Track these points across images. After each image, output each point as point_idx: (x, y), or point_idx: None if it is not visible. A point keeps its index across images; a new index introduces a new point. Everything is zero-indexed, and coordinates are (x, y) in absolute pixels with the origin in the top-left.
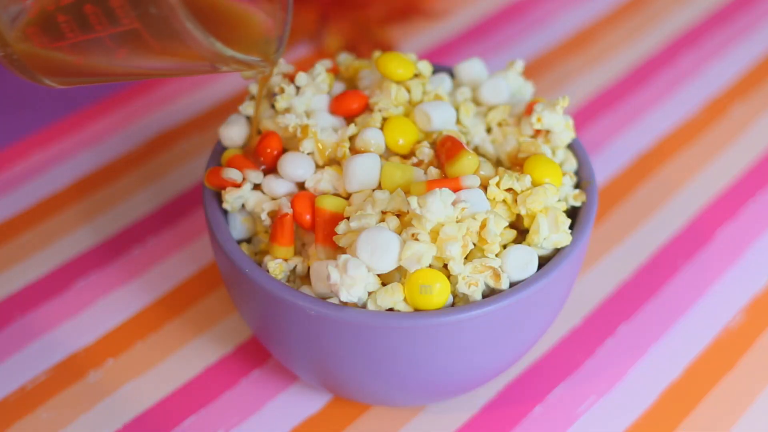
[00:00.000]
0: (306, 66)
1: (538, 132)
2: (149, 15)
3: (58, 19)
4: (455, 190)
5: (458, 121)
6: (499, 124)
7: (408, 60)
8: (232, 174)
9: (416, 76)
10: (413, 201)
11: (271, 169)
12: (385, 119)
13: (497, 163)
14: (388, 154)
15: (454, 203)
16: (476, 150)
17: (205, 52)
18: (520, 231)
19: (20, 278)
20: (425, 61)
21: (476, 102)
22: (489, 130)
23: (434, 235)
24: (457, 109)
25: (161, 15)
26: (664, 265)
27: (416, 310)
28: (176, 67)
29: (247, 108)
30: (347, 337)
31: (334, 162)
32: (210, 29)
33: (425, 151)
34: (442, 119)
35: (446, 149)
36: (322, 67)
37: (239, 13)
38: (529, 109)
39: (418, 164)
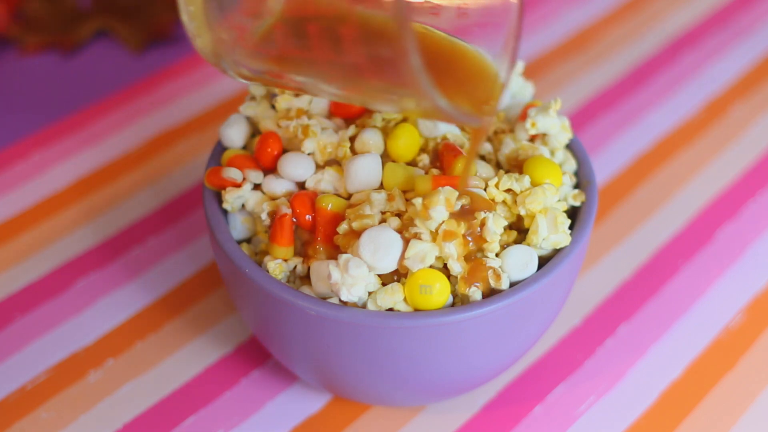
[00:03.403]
0: None
1: (534, 136)
2: (378, 55)
3: (274, 27)
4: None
5: (462, 129)
6: (495, 133)
7: None
8: (233, 174)
9: None
10: (418, 202)
11: (271, 169)
12: (386, 121)
13: (497, 165)
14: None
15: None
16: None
17: (424, 102)
18: (522, 232)
19: (20, 278)
20: None
21: None
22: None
23: (434, 235)
24: None
25: (392, 58)
26: (664, 265)
27: (416, 310)
28: (376, 101)
29: (248, 108)
30: (347, 337)
31: (335, 162)
32: (432, 74)
33: (426, 162)
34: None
35: (445, 156)
36: None
37: (464, 60)
38: (524, 115)
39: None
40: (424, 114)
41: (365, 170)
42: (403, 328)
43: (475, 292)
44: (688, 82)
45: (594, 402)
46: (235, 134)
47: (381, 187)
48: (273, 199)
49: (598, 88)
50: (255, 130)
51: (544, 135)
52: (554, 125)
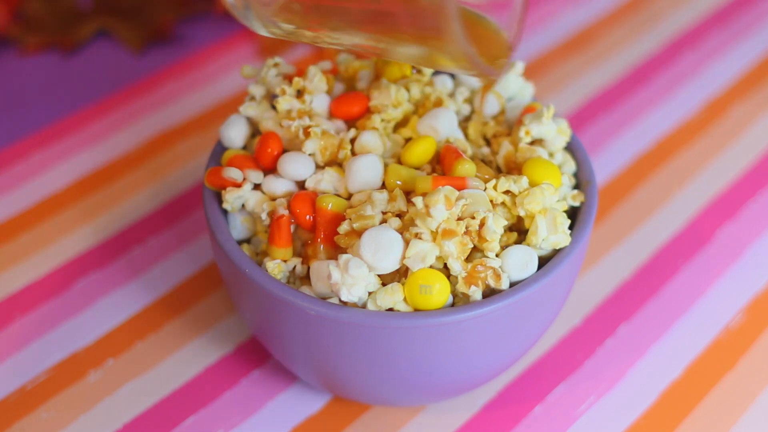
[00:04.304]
0: (306, 66)
1: (531, 142)
2: (417, 3)
3: None
4: (460, 189)
5: (466, 135)
6: (494, 136)
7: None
8: (233, 173)
9: (419, 71)
10: (419, 201)
11: (271, 169)
12: (386, 122)
13: (497, 169)
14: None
15: (455, 200)
16: (475, 155)
17: (457, 54)
18: (522, 233)
19: (20, 278)
20: None
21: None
22: (487, 143)
23: (434, 235)
24: (461, 118)
25: (431, 7)
26: (664, 265)
27: (416, 310)
28: (407, 56)
29: (248, 108)
30: (347, 337)
31: (335, 163)
32: None
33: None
34: (448, 128)
35: (446, 158)
36: (316, 69)
37: (479, 19)
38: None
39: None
40: (443, 64)
41: (366, 170)
42: (403, 328)
43: (475, 292)
44: (688, 82)
45: (594, 402)
46: (235, 134)
47: (382, 187)
48: (273, 199)
49: (598, 88)
50: (255, 131)
51: (541, 140)
52: (549, 131)
